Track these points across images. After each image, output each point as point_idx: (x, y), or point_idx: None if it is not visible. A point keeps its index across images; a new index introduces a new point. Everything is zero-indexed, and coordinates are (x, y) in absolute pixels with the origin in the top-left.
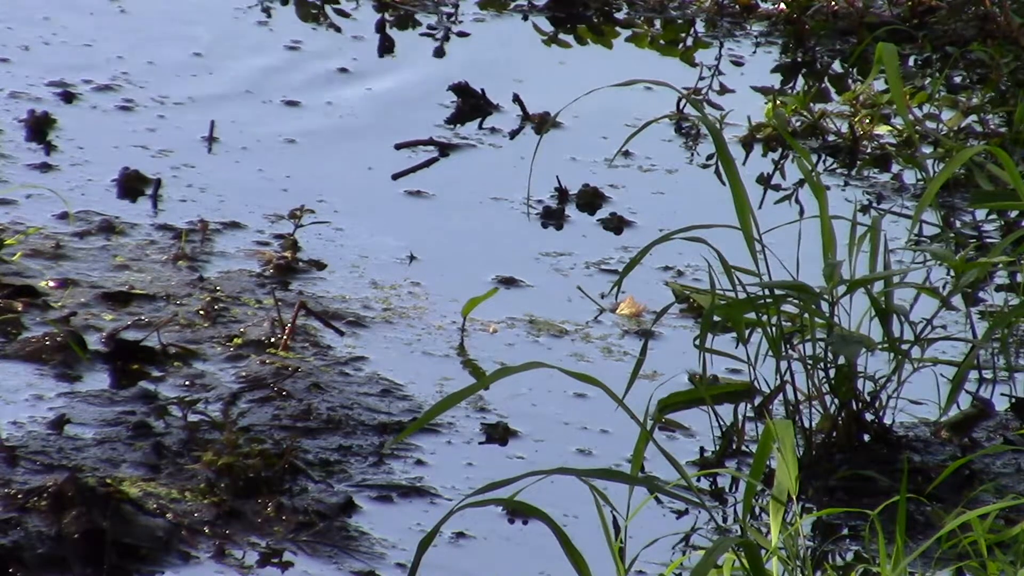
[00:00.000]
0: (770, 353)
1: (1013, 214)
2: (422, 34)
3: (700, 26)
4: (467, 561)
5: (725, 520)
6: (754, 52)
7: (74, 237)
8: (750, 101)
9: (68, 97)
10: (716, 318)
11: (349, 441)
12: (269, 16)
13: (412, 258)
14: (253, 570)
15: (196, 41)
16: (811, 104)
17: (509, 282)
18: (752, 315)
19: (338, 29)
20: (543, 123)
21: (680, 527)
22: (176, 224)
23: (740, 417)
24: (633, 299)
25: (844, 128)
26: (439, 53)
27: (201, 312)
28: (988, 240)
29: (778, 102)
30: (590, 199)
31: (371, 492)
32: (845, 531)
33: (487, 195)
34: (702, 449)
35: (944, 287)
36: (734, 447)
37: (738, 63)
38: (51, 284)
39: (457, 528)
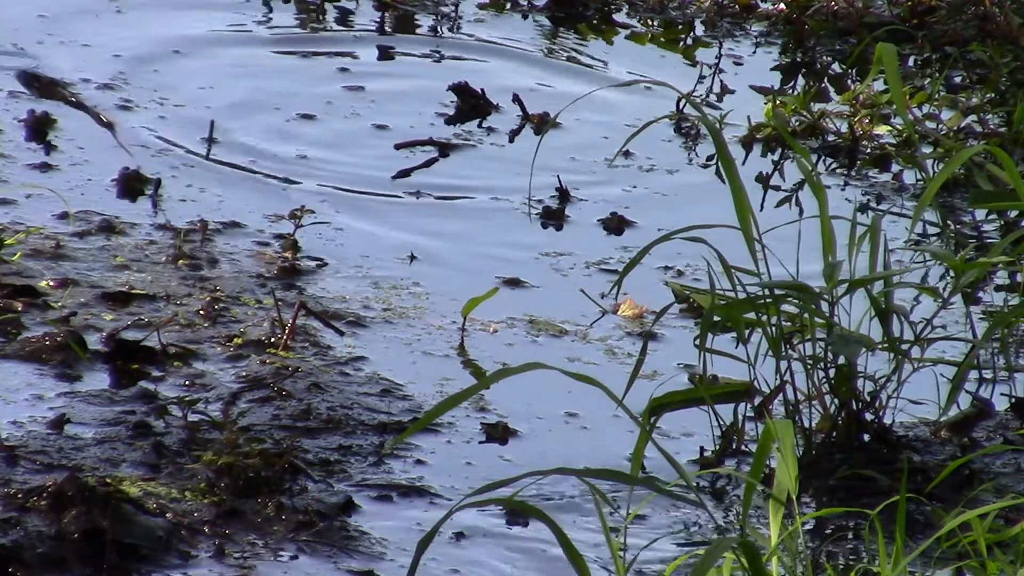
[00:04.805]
0: (770, 353)
1: (1013, 214)
2: (422, 34)
3: (700, 26)
4: (467, 561)
5: (725, 520)
6: (754, 52)
7: (74, 237)
8: (750, 101)
9: None
10: (716, 318)
11: (349, 441)
12: (269, 15)
13: (412, 258)
14: (253, 570)
15: (195, 41)
16: (811, 104)
17: (514, 283)
18: (752, 315)
19: (338, 29)
20: (543, 123)
21: (680, 527)
22: (176, 224)
23: (740, 417)
24: (633, 300)
25: (844, 128)
26: (439, 53)
27: (201, 312)
28: (988, 240)
29: (778, 102)
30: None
31: (371, 492)
32: (845, 531)
33: (487, 195)
34: (702, 449)
35: (944, 287)
36: (734, 447)
37: (738, 63)
38: (51, 284)
39: (457, 528)
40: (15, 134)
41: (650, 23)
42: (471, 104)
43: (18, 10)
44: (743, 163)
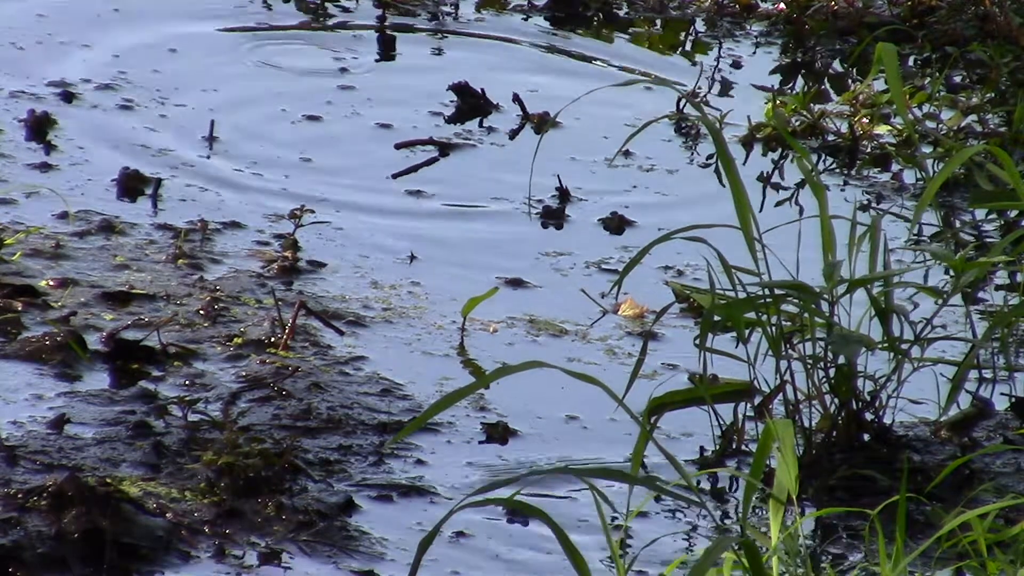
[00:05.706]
0: (770, 353)
1: (1013, 214)
2: (422, 33)
3: (700, 26)
4: (467, 560)
5: (725, 520)
6: (754, 52)
7: (74, 237)
8: (750, 101)
9: (68, 97)
10: (716, 318)
11: (349, 441)
12: (269, 14)
13: (412, 258)
14: (253, 570)
15: (195, 40)
16: (811, 104)
17: (514, 283)
18: (752, 315)
19: (338, 28)
20: (543, 123)
21: (680, 527)
22: (176, 224)
23: (740, 417)
24: (633, 300)
25: (844, 128)
26: (438, 52)
27: (201, 312)
28: (988, 240)
29: (778, 102)
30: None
31: (371, 492)
32: (845, 531)
33: (487, 195)
34: (702, 449)
35: (944, 287)
36: (734, 447)
37: (738, 63)
38: (51, 284)
39: (457, 528)
40: (15, 134)
41: (650, 23)
42: (471, 104)
43: (17, 9)
44: (743, 163)
